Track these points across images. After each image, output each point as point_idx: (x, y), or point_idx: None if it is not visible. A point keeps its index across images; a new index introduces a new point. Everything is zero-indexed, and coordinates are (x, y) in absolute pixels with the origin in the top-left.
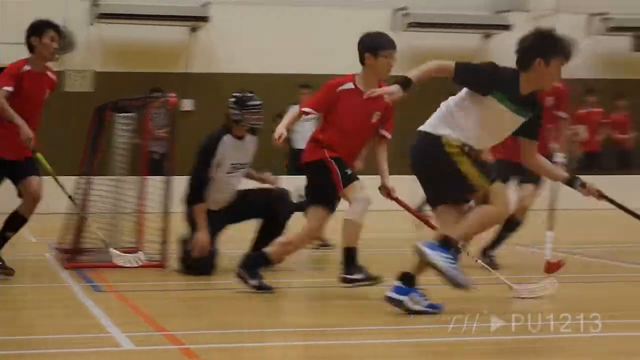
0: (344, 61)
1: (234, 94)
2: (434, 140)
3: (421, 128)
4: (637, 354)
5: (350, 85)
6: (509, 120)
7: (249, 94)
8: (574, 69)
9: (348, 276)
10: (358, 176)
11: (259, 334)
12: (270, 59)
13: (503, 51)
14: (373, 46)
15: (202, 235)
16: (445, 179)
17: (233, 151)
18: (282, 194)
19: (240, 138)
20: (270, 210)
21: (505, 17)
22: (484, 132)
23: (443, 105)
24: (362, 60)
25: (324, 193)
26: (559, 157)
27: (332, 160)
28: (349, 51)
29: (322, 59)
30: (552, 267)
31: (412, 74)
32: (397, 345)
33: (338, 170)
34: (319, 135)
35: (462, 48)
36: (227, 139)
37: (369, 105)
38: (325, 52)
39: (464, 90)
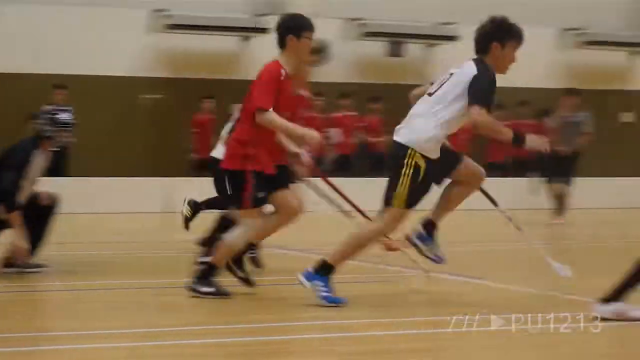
0: (100, 61)
1: (45, 109)
2: (403, 147)
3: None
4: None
5: (284, 72)
6: None
7: (62, 111)
8: (329, 73)
9: (196, 287)
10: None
11: (32, 338)
12: (23, 59)
13: (261, 53)
14: (296, 28)
15: (24, 243)
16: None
17: (41, 165)
18: (51, 197)
19: (45, 152)
20: (38, 213)
21: (263, 21)
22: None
23: (424, 107)
24: (282, 43)
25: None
26: (305, 156)
27: (253, 177)
28: (106, 51)
29: (78, 59)
30: (393, 245)
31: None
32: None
33: (252, 190)
34: (245, 137)
35: (221, 50)
36: (39, 152)
37: (293, 87)
38: (81, 52)
39: (453, 96)
